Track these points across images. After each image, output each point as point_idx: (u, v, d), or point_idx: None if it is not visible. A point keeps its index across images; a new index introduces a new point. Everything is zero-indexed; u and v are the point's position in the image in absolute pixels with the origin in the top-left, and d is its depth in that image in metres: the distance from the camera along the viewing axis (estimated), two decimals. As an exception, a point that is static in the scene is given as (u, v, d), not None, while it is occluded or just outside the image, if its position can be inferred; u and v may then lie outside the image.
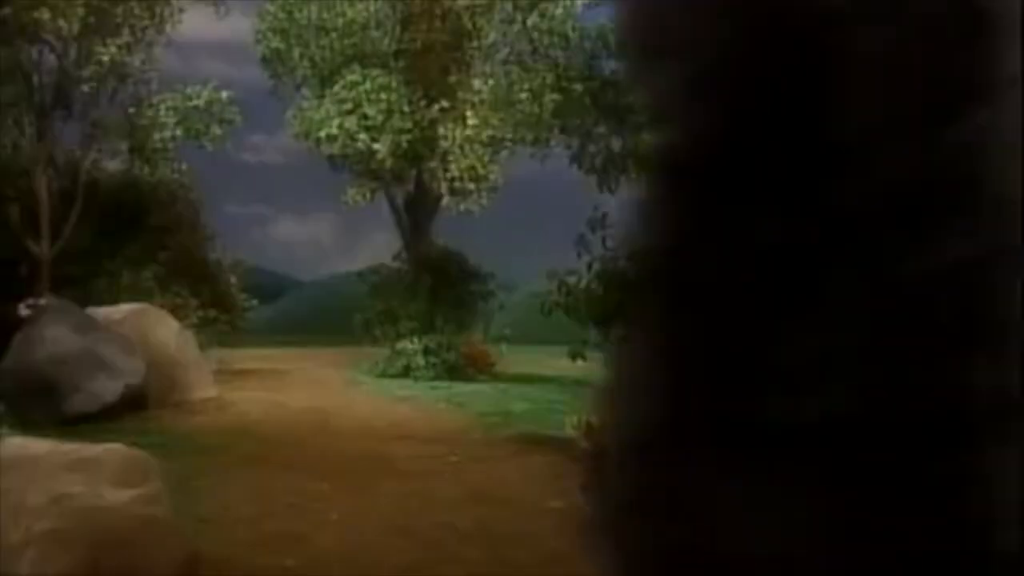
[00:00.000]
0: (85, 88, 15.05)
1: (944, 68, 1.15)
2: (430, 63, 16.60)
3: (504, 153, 17.36)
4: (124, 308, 11.06)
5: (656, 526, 1.26)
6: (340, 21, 16.90)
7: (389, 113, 15.96)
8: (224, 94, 16.28)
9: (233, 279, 16.53)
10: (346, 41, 16.92)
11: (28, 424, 8.37)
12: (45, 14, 13.56)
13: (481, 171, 16.44)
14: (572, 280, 7.19)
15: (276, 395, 11.28)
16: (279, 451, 7.82)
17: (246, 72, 24.49)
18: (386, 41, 16.96)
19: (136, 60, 15.34)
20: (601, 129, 17.55)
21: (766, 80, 1.17)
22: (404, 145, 16.17)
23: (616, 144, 16.75)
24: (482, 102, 16.29)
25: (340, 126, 15.50)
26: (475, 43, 17.31)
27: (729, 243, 1.34)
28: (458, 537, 5.47)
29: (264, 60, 17.96)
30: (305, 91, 17.57)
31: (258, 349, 17.33)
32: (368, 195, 17.74)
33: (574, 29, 17.50)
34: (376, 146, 15.77)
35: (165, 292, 14.41)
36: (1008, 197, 1.14)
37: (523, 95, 16.40)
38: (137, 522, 4.10)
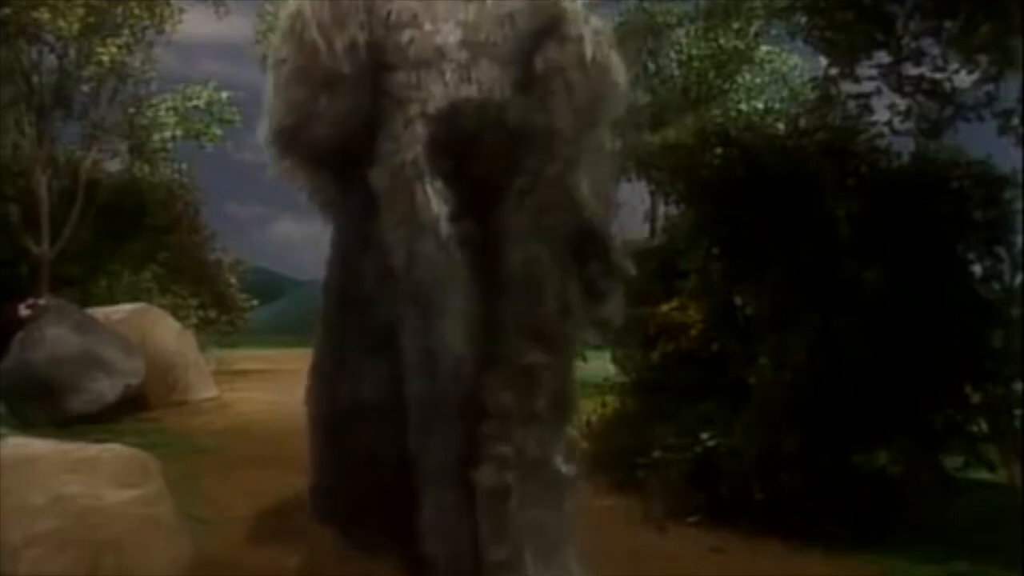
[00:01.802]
0: (85, 88, 15.07)
1: None
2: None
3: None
4: (124, 308, 11.06)
5: None
6: (340, 21, 16.89)
7: (389, 113, 15.94)
8: (224, 94, 16.30)
9: (233, 279, 16.53)
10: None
11: (28, 424, 8.36)
12: (45, 14, 13.57)
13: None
14: (572, 280, 7.18)
15: (276, 395, 11.26)
16: (279, 451, 7.81)
17: (246, 72, 24.46)
18: (386, 41, 16.95)
19: (136, 60, 15.35)
20: (601, 129, 17.61)
21: None
22: (404, 145, 16.15)
23: (616, 144, 16.78)
24: (482, 102, 16.27)
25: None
26: (475, 43, 17.30)
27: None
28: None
29: (264, 60, 17.95)
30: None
31: (258, 349, 17.34)
32: (368, 195, 17.72)
33: (574, 29, 17.53)
34: (376, 146, 15.75)
35: (165, 292, 14.42)
36: None
37: (523, 95, 16.41)
38: (137, 522, 4.09)
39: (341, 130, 3.71)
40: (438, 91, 3.57)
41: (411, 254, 3.46)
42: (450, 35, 3.64)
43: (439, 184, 3.47)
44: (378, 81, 3.65)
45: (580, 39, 3.69)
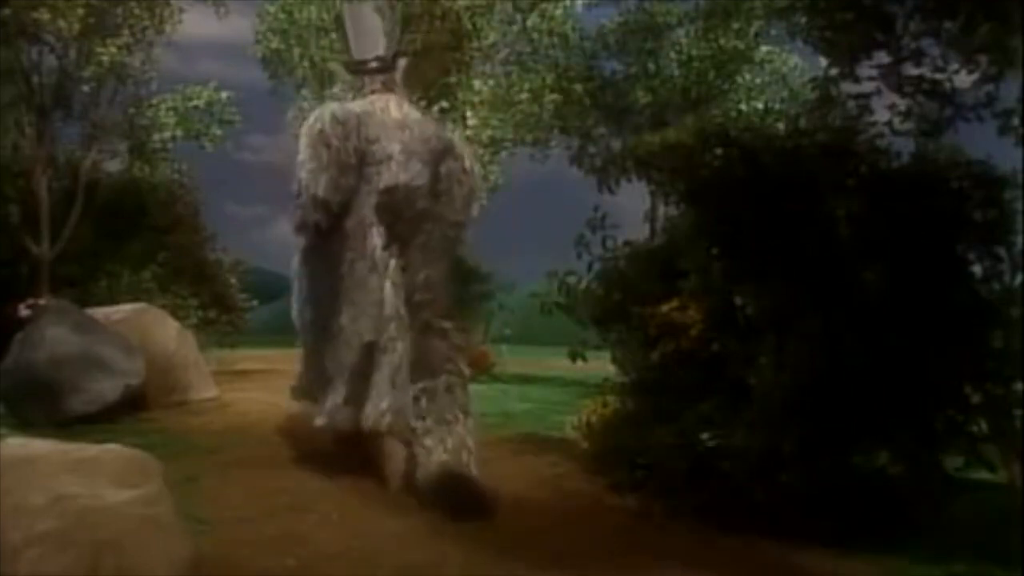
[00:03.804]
0: (85, 88, 15.04)
1: None
2: (430, 64, 16.57)
3: (504, 154, 17.35)
4: (124, 308, 11.05)
5: None
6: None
7: (389, 113, 15.94)
8: (224, 94, 16.27)
9: (233, 279, 16.52)
10: (346, 42, 16.91)
11: (28, 425, 8.37)
12: (45, 14, 13.56)
13: (481, 171, 16.42)
14: (572, 280, 7.18)
15: (276, 395, 11.24)
16: (279, 451, 7.82)
17: (246, 72, 24.44)
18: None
19: (136, 60, 15.32)
20: (601, 129, 17.56)
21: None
22: (404, 145, 16.13)
23: (616, 144, 16.74)
24: (482, 103, 16.28)
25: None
26: (475, 44, 17.30)
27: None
28: (458, 537, 5.47)
29: (264, 60, 17.95)
30: (305, 91, 17.57)
31: (258, 349, 17.32)
32: (368, 195, 17.71)
33: (574, 29, 17.50)
34: (376, 146, 15.75)
35: (165, 292, 14.39)
36: None
37: (523, 96, 16.39)
38: (137, 522, 4.09)
39: (345, 196, 6.83)
40: (388, 176, 6.72)
41: (351, 268, 6.73)
42: (395, 147, 6.82)
43: (380, 229, 6.60)
44: (359, 170, 6.81)
45: (463, 157, 7.16)
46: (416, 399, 6.42)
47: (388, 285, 6.47)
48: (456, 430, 6.42)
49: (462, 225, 7.13)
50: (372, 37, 7.61)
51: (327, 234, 6.94)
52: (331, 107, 7.19)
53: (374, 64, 7.42)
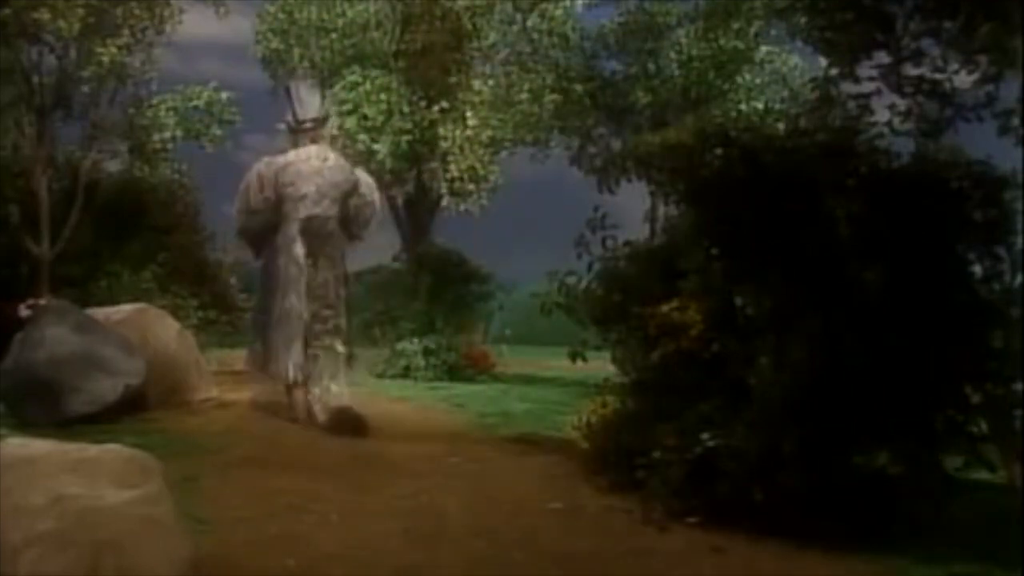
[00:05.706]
0: (85, 88, 15.01)
1: None
2: (430, 64, 16.57)
3: (504, 154, 17.34)
4: (124, 308, 11.03)
5: None
6: (340, 22, 16.88)
7: (389, 114, 15.94)
8: (224, 94, 16.25)
9: (233, 279, 16.50)
10: (346, 42, 16.90)
11: (28, 425, 8.36)
12: (45, 15, 13.54)
13: (481, 171, 16.42)
14: (572, 280, 7.19)
15: (275, 396, 11.24)
16: (279, 451, 7.82)
17: (246, 72, 24.38)
18: (386, 42, 16.94)
19: (136, 60, 15.29)
20: (601, 130, 17.56)
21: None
22: (404, 146, 16.13)
23: (616, 144, 16.73)
24: (482, 103, 16.27)
25: (340, 127, 15.47)
26: (475, 44, 17.29)
27: None
28: (458, 537, 5.48)
29: (264, 60, 17.94)
30: (305, 92, 17.53)
31: (258, 349, 17.28)
32: (368, 195, 17.69)
33: (574, 30, 17.50)
34: (376, 147, 15.76)
35: (165, 292, 14.38)
36: None
37: (523, 96, 16.39)
38: (137, 522, 4.09)
39: (265, 224, 10.07)
40: (304, 210, 9.74)
41: (285, 268, 9.74)
42: (310, 188, 9.77)
43: (302, 242, 9.68)
44: (281, 207, 9.84)
45: (365, 193, 10.45)
46: (312, 360, 9.57)
47: (303, 282, 9.65)
48: (339, 379, 9.60)
49: (361, 238, 10.65)
50: (310, 104, 10.78)
51: (267, 246, 10.11)
52: (260, 166, 10.22)
53: (309, 124, 10.46)
